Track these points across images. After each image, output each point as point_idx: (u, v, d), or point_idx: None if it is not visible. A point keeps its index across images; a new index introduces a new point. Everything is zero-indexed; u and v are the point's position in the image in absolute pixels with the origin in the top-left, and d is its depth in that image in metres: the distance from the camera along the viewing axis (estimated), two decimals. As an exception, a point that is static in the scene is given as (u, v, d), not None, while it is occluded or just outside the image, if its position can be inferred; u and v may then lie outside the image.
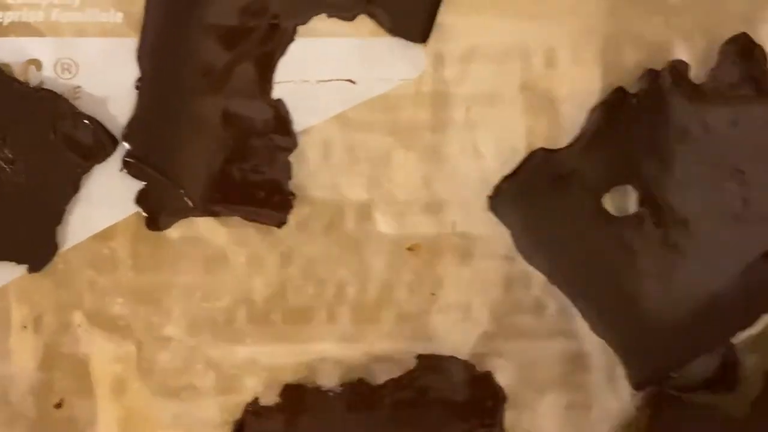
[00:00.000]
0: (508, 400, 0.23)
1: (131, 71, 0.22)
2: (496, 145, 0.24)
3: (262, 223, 0.23)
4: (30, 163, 0.22)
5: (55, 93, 0.22)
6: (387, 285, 0.24)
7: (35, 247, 0.23)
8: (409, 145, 0.23)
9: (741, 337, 0.23)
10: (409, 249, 0.24)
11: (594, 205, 0.23)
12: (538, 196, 0.24)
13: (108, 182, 0.23)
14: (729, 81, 0.23)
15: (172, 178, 0.23)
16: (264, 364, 0.24)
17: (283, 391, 0.23)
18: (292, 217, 0.23)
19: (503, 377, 0.24)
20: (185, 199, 0.23)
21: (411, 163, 0.23)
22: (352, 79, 0.23)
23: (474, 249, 0.24)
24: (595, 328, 0.23)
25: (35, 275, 0.23)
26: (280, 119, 0.23)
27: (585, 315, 0.23)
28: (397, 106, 0.23)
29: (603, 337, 0.23)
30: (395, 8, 0.23)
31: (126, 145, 0.23)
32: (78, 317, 0.23)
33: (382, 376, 0.24)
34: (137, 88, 0.22)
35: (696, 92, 0.23)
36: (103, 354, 0.23)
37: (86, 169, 0.22)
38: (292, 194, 0.23)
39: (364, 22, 0.23)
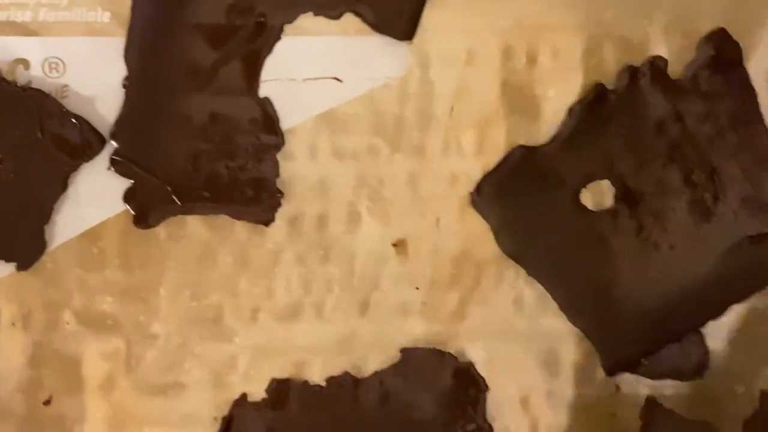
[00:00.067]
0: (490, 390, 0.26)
1: (119, 70, 0.24)
2: (479, 142, 0.26)
3: (249, 221, 0.25)
4: (18, 162, 0.24)
5: (42, 92, 0.23)
6: (373, 281, 0.26)
7: (23, 246, 0.24)
8: (394, 143, 0.25)
9: (710, 325, 0.26)
10: (395, 245, 0.26)
11: (572, 200, 0.26)
12: (519, 192, 0.26)
13: (96, 181, 0.24)
14: (705, 76, 0.26)
15: (159, 176, 0.24)
16: (252, 360, 0.25)
17: (271, 387, 0.26)
18: (280, 215, 0.25)
19: (484, 368, 0.26)
20: (173, 197, 0.25)
21: (396, 160, 0.25)
22: (339, 78, 0.25)
23: (458, 245, 0.26)
24: (571, 317, 0.26)
25: (24, 273, 0.24)
26: (267, 117, 0.25)
27: (561, 305, 0.26)
28: (383, 104, 0.25)
29: (578, 326, 0.26)
30: (381, 6, 0.25)
31: (113, 144, 0.24)
32: (67, 315, 0.25)
33: (368, 369, 0.26)
34: (124, 87, 0.24)
35: (673, 88, 0.26)
36: (91, 351, 0.25)
37: (74, 168, 0.24)
38: (280, 192, 0.25)
39: (350, 20, 0.25)
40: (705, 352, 0.26)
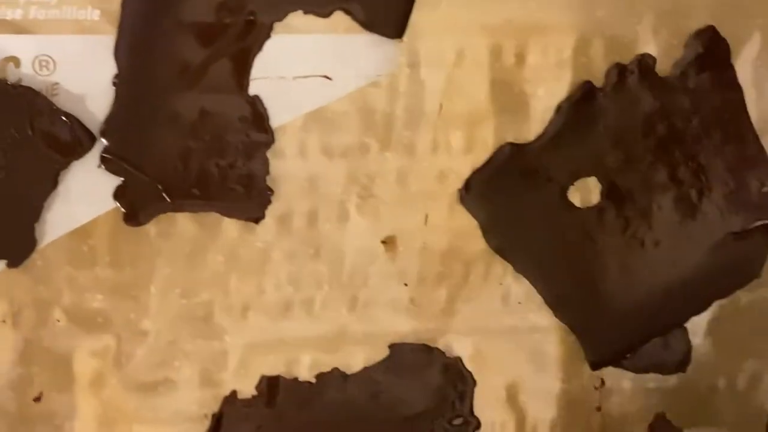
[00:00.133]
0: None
1: (109, 68, 0.25)
2: (468, 140, 0.27)
3: (239, 218, 0.27)
4: (8, 160, 0.25)
5: (33, 90, 0.25)
6: (362, 278, 0.27)
7: (13, 243, 0.26)
8: (384, 141, 0.27)
9: (693, 320, 0.28)
10: (384, 242, 0.28)
11: (559, 197, 0.28)
12: (507, 189, 0.28)
13: (86, 178, 0.26)
14: (693, 74, 0.28)
15: (149, 173, 0.26)
16: (241, 358, 0.27)
17: (261, 384, 0.27)
18: (269, 213, 0.27)
19: (472, 363, 0.28)
20: (163, 194, 0.26)
21: (386, 158, 0.27)
22: (329, 76, 0.27)
23: (446, 242, 0.28)
24: (557, 312, 0.28)
25: (14, 271, 0.26)
26: (257, 115, 0.26)
27: (548, 301, 0.28)
28: (373, 102, 0.27)
29: (564, 321, 0.28)
30: (371, 4, 0.26)
31: (104, 141, 0.26)
32: (57, 312, 0.26)
33: (357, 365, 0.28)
34: (114, 84, 0.25)
35: (661, 86, 0.28)
36: (81, 349, 0.26)
37: (64, 166, 0.25)
38: (270, 190, 0.27)
39: (339, 18, 0.26)
40: (688, 346, 0.28)
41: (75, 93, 0.25)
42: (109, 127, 0.26)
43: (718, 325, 0.28)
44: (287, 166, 0.27)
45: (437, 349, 0.28)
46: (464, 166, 0.27)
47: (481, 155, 0.27)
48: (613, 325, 0.28)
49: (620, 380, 0.28)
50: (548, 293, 0.28)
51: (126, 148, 0.26)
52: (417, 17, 0.27)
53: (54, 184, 0.26)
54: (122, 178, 0.26)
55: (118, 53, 0.25)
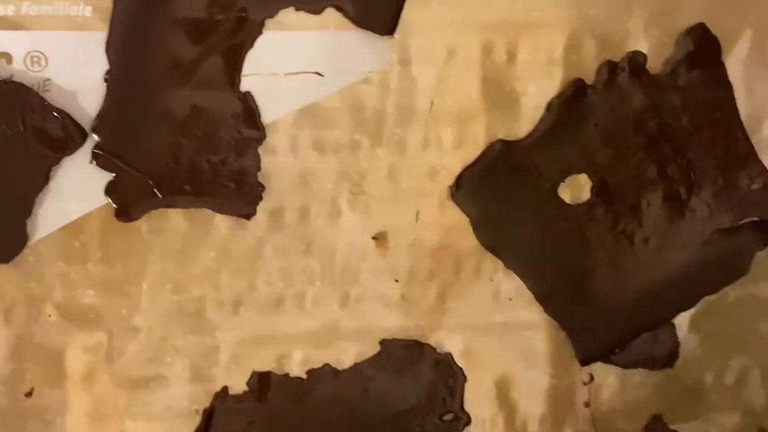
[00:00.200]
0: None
1: (100, 64, 0.26)
2: (459, 137, 0.28)
3: (231, 214, 0.27)
4: (-1, 156, 0.26)
5: (24, 86, 0.25)
6: (353, 274, 0.28)
7: (5, 239, 0.26)
8: (375, 137, 0.28)
9: (681, 316, 0.29)
10: (375, 238, 0.28)
11: (550, 193, 0.28)
12: (497, 185, 0.28)
13: (77, 174, 0.26)
14: (684, 72, 0.28)
15: (141, 169, 0.27)
16: (233, 353, 0.28)
17: (252, 380, 0.28)
18: (261, 209, 0.27)
19: (462, 359, 0.28)
20: (154, 190, 0.27)
21: (377, 154, 0.28)
22: (320, 72, 0.27)
23: (437, 238, 0.28)
24: (547, 308, 0.29)
25: (5, 266, 0.26)
26: (249, 112, 0.27)
27: (538, 297, 0.29)
28: (364, 99, 0.27)
29: (554, 317, 0.29)
30: (362, 1, 0.27)
31: (95, 137, 0.26)
32: (48, 308, 0.27)
33: (348, 361, 0.28)
34: (106, 80, 0.26)
35: (652, 83, 0.28)
36: (73, 344, 0.27)
37: (56, 161, 0.26)
38: (261, 186, 0.27)
39: (331, 15, 0.27)
40: (676, 342, 0.29)
41: (67, 89, 0.26)
42: (101, 123, 0.26)
43: (706, 321, 0.29)
44: (279, 162, 0.27)
45: (428, 345, 0.28)
46: (455, 162, 0.28)
47: (472, 152, 0.28)
48: (602, 321, 0.29)
49: (609, 376, 0.29)
50: (538, 289, 0.29)
51: (117, 144, 0.26)
52: (408, 14, 0.27)
53: (45, 179, 0.26)
54: (114, 174, 0.27)
55: (110, 49, 0.26)
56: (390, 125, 0.28)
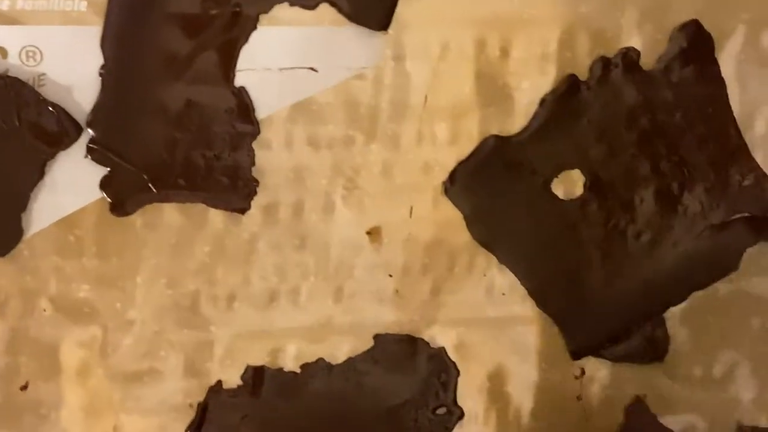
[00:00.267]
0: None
1: (95, 59, 0.26)
2: (452, 132, 0.29)
3: (225, 209, 0.28)
4: (-5, 150, 0.26)
5: (20, 80, 0.26)
6: (347, 269, 0.29)
7: (0, 233, 0.27)
8: (369, 133, 0.28)
9: (671, 311, 0.30)
10: (369, 234, 0.29)
11: (543, 189, 0.29)
12: (491, 181, 0.29)
13: (72, 168, 0.27)
14: (677, 68, 0.29)
15: (135, 164, 0.27)
16: (227, 348, 0.28)
17: (246, 374, 0.28)
18: (255, 204, 0.28)
19: (456, 354, 0.29)
20: (149, 185, 0.27)
21: (371, 150, 0.28)
22: (314, 67, 0.28)
23: (431, 233, 0.29)
24: (540, 303, 0.29)
25: (0, 260, 0.27)
26: (243, 107, 0.28)
27: (531, 292, 0.29)
28: (358, 94, 0.28)
29: (547, 312, 0.29)
30: (356, -4, 0.28)
31: (90, 132, 0.27)
32: (43, 302, 0.27)
33: (341, 356, 0.29)
34: (101, 75, 0.27)
35: (645, 79, 0.29)
36: (68, 338, 0.27)
37: (51, 156, 0.27)
38: (255, 181, 0.28)
39: (325, 10, 0.28)
40: (666, 336, 0.30)
41: (62, 84, 0.26)
42: (96, 117, 0.27)
43: (696, 315, 0.30)
44: (273, 157, 0.28)
45: (421, 339, 0.29)
46: (449, 158, 0.29)
47: (465, 147, 0.29)
48: (594, 316, 0.29)
49: (600, 370, 0.30)
50: (531, 284, 0.29)
51: (112, 139, 0.27)
52: (402, 10, 0.28)
53: (41, 174, 0.27)
54: (108, 169, 0.27)
55: (105, 44, 0.27)
56: (384, 120, 0.28)
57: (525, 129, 0.29)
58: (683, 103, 0.29)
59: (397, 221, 0.29)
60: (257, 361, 0.28)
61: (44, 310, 0.27)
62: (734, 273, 0.30)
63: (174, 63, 0.27)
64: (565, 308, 0.29)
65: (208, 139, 0.27)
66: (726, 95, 0.29)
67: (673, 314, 0.30)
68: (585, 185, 0.29)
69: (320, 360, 0.29)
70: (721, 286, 0.30)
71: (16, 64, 0.26)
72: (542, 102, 0.29)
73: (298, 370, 0.29)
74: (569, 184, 0.29)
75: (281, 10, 0.27)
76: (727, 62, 0.29)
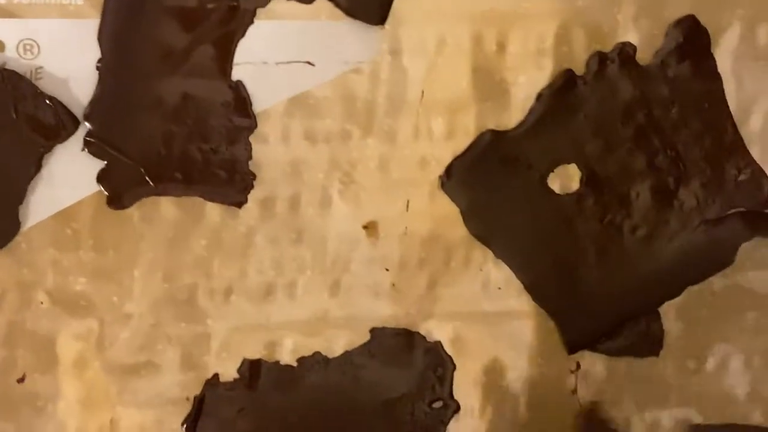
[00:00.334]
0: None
1: (92, 52, 0.27)
2: (449, 127, 0.29)
3: (222, 202, 0.28)
4: (-8, 143, 0.26)
5: (17, 73, 0.26)
6: (344, 263, 0.29)
7: (-3, 226, 0.27)
8: (365, 127, 0.28)
9: (666, 305, 0.30)
10: (365, 228, 0.29)
11: (539, 183, 0.29)
12: (487, 175, 0.29)
13: (69, 162, 0.27)
14: (673, 63, 0.29)
15: (133, 157, 0.27)
16: (224, 341, 0.29)
17: (243, 367, 0.29)
18: (252, 197, 0.28)
19: (452, 347, 0.29)
20: (146, 178, 0.27)
21: (368, 144, 0.29)
22: (311, 61, 0.28)
23: (427, 228, 0.29)
24: (536, 297, 0.30)
25: (-3, 253, 0.27)
26: (240, 100, 0.28)
27: (527, 286, 0.30)
28: (355, 89, 0.28)
29: (542, 306, 0.30)
30: (353, -9, 0.28)
31: (87, 125, 0.27)
32: (40, 295, 0.27)
33: (338, 349, 0.29)
34: (98, 68, 0.27)
35: (641, 74, 0.29)
36: (65, 331, 0.28)
37: (48, 149, 0.27)
38: (252, 174, 0.28)
39: (322, 4, 0.28)
40: (661, 330, 0.30)
41: (59, 77, 0.27)
42: (93, 110, 0.27)
43: (691, 309, 0.30)
44: (270, 151, 0.28)
45: (418, 333, 0.29)
46: (445, 152, 0.29)
47: (462, 142, 0.29)
48: (589, 310, 0.30)
49: (595, 364, 0.30)
50: (527, 278, 0.30)
51: (109, 132, 0.27)
52: (399, 4, 0.28)
53: (38, 167, 0.27)
54: (105, 162, 0.27)
55: (102, 37, 0.27)
56: (381, 115, 0.28)
57: (521, 124, 0.29)
58: (679, 98, 0.29)
59: (393, 215, 0.29)
60: (254, 354, 0.29)
61: (41, 303, 0.28)
62: (729, 267, 0.30)
63: (171, 56, 0.27)
64: (560, 302, 0.30)
65: (205, 132, 0.28)
66: (722, 90, 0.30)
67: (669, 308, 0.30)
68: (581, 180, 0.29)
69: (317, 353, 0.29)
70: (716, 281, 0.30)
71: (13, 57, 0.26)
72: (539, 97, 0.29)
73: (295, 364, 0.29)
74: (565, 179, 0.29)
75: (278, 4, 0.28)
76: (723, 57, 0.29)
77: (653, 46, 0.29)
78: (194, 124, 0.28)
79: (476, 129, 0.29)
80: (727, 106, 0.30)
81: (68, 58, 0.27)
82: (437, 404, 0.29)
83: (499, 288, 0.29)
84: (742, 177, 0.30)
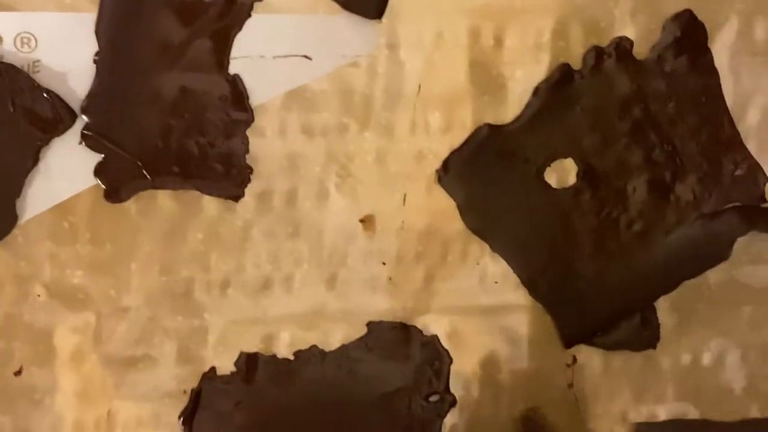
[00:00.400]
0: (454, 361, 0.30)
1: (90, 46, 0.27)
2: (446, 121, 0.29)
3: (219, 196, 0.28)
4: (-11, 136, 0.27)
5: (14, 67, 0.26)
6: (341, 256, 0.29)
7: (-5, 219, 0.27)
8: (363, 121, 0.29)
9: (662, 299, 0.30)
10: (362, 221, 0.29)
11: (536, 177, 0.29)
12: (484, 169, 0.29)
13: (67, 155, 0.27)
14: (670, 58, 0.29)
15: (130, 151, 0.28)
16: (221, 335, 0.29)
17: (240, 360, 0.29)
18: (249, 191, 0.28)
19: (448, 341, 0.30)
20: (143, 172, 0.28)
21: (365, 138, 0.29)
22: (308, 55, 0.28)
23: (424, 221, 0.29)
24: (533, 292, 0.30)
25: (-6, 246, 0.27)
26: (237, 94, 0.28)
27: (524, 280, 0.30)
28: (352, 83, 0.28)
29: (539, 300, 0.30)
30: (350, -15, 0.28)
31: (84, 119, 0.27)
32: (38, 288, 0.28)
33: (335, 343, 0.29)
34: (96, 62, 0.27)
35: (638, 69, 0.29)
36: (62, 324, 0.28)
37: (45, 142, 0.27)
38: (249, 168, 0.28)
39: (319, -2, 0.28)
40: (657, 324, 0.30)
41: (56, 70, 0.27)
42: (90, 104, 0.27)
43: (686, 304, 0.31)
44: (267, 144, 0.28)
45: (414, 327, 0.30)
46: (442, 146, 0.29)
47: (459, 136, 0.29)
48: (586, 304, 0.30)
49: (591, 358, 0.30)
50: (524, 273, 0.30)
51: (107, 126, 0.27)
52: (396, -1, 0.28)
53: (35, 160, 0.27)
54: (103, 155, 0.27)
55: (100, 31, 0.27)
56: (378, 109, 0.29)
57: (518, 118, 0.29)
58: (676, 93, 0.30)
59: (390, 209, 0.29)
60: (251, 347, 0.29)
61: (38, 296, 0.28)
62: (726, 262, 0.30)
63: (168, 50, 0.27)
64: (557, 296, 0.30)
65: (202, 126, 0.28)
66: (719, 85, 0.30)
67: (665, 303, 0.30)
68: (578, 174, 0.30)
69: (313, 347, 0.29)
70: (713, 275, 0.30)
71: (10, 50, 0.26)
72: (536, 91, 0.29)
73: (292, 357, 0.29)
74: (562, 173, 0.30)
75: (276, -2, 0.28)
76: (720, 52, 0.30)
77: (650, 40, 0.29)
78: (191, 117, 0.28)
79: (473, 123, 0.29)
80: (724, 101, 0.30)
81: (65, 52, 0.27)
82: (434, 398, 0.30)
83: (496, 282, 0.30)
84: (738, 172, 0.30)
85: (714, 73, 0.30)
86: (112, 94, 0.27)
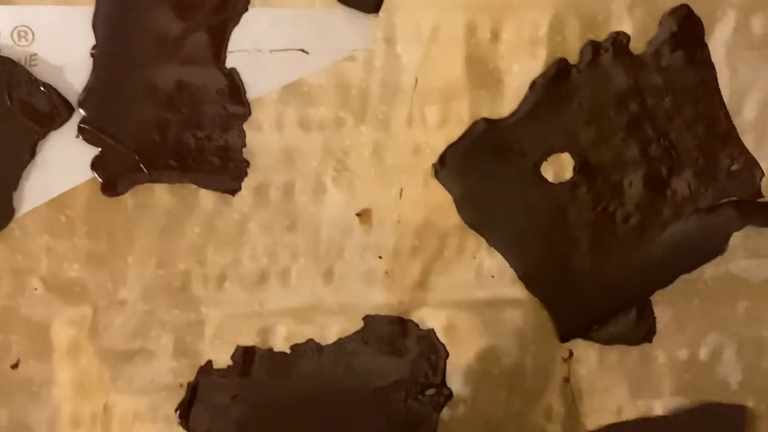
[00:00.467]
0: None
1: (87, 39, 0.27)
2: (443, 115, 0.29)
3: (216, 190, 0.28)
4: (-14, 130, 0.27)
5: (11, 60, 0.26)
6: (337, 250, 0.29)
7: (-8, 212, 0.27)
8: (359, 115, 0.29)
9: (659, 293, 0.30)
10: (359, 215, 0.29)
11: (533, 172, 0.30)
12: (481, 164, 0.29)
13: (64, 148, 0.27)
14: (667, 52, 0.30)
15: (127, 144, 0.28)
16: (217, 328, 0.29)
17: (236, 354, 0.29)
18: (246, 185, 0.29)
19: (445, 335, 0.30)
20: (140, 165, 0.28)
21: (361, 132, 0.29)
22: (305, 49, 0.28)
23: (421, 215, 0.29)
24: (529, 286, 0.30)
25: (-9, 240, 0.28)
26: (234, 88, 0.28)
27: (520, 274, 0.30)
28: (349, 77, 0.29)
29: (535, 294, 0.30)
30: (347, -21, 0.28)
31: (81, 112, 0.27)
32: (34, 281, 0.28)
33: (331, 336, 0.29)
34: (92, 55, 0.27)
35: (635, 63, 0.30)
36: (59, 317, 0.28)
37: (42, 136, 0.27)
38: (246, 162, 0.28)
39: (316, -8, 0.28)
40: (653, 318, 0.30)
41: (53, 64, 0.27)
42: (87, 97, 0.27)
43: (682, 298, 0.31)
44: (264, 138, 0.28)
45: (411, 321, 0.30)
46: (439, 140, 0.29)
47: (455, 130, 0.29)
48: (582, 298, 0.30)
49: (587, 352, 0.31)
50: (520, 267, 0.30)
51: (104, 119, 0.28)
52: (393, -7, 0.28)
53: (32, 154, 0.27)
54: (100, 149, 0.28)
55: (97, 24, 0.27)
56: (374, 103, 0.29)
57: (515, 112, 0.29)
58: (673, 88, 0.30)
59: (387, 203, 0.29)
60: (247, 341, 0.29)
61: (35, 289, 0.28)
62: (721, 256, 0.31)
63: (165, 44, 0.28)
64: (553, 290, 0.30)
65: (199, 120, 0.28)
66: (715, 80, 0.30)
67: (661, 297, 0.31)
68: (574, 168, 0.30)
69: (310, 341, 0.29)
70: (709, 270, 0.31)
71: (7, 44, 0.27)
72: (532, 85, 0.29)
73: (288, 351, 0.29)
74: (559, 168, 0.30)
75: (273, -8, 0.28)
76: (717, 47, 0.30)
77: (647, 35, 0.30)
78: (188, 111, 0.28)
79: (470, 117, 0.29)
80: (721, 96, 0.30)
81: (63, 45, 0.27)
82: (430, 391, 0.30)
83: (493, 276, 0.30)
84: (735, 166, 0.30)
85: (711, 67, 0.30)
86: (109, 88, 0.27)
